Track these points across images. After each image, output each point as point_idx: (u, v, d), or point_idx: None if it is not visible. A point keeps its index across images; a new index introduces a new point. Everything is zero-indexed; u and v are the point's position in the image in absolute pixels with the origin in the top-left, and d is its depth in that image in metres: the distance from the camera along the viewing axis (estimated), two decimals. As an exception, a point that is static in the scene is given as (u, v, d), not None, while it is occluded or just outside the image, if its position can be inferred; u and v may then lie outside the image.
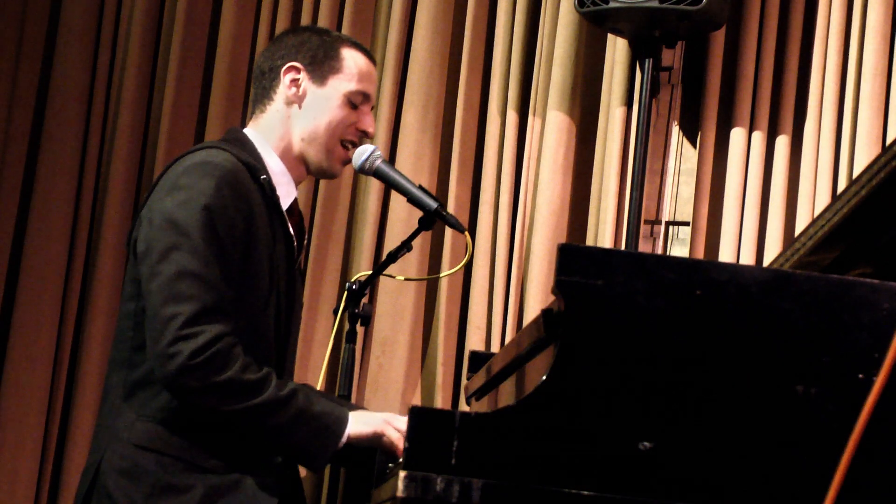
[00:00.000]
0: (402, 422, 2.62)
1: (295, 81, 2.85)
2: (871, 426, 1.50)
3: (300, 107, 2.84)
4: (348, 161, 2.89)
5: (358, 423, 2.63)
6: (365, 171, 2.95)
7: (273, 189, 2.75)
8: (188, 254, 2.56)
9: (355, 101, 2.86)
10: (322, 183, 4.50)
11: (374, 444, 2.65)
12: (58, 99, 4.74)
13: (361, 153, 2.94)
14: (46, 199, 4.69)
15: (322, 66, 2.85)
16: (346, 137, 2.86)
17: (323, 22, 4.52)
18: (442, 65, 4.47)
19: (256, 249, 2.67)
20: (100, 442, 2.68)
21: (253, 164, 2.73)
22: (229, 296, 2.59)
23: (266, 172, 2.76)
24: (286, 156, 2.84)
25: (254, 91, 2.92)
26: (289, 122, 2.84)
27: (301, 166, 2.86)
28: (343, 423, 2.62)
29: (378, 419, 2.66)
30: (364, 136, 2.89)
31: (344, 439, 2.61)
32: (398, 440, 2.61)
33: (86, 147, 4.73)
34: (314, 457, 2.61)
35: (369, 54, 2.94)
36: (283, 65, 2.86)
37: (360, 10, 4.56)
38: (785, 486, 2.01)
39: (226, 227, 2.61)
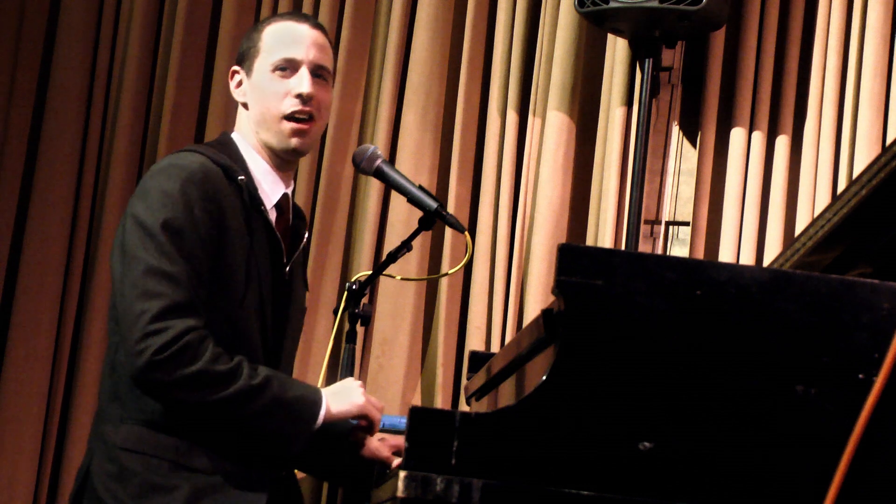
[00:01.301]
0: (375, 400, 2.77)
1: (239, 84, 2.88)
2: (871, 426, 1.50)
3: (248, 105, 2.86)
4: (303, 132, 2.81)
5: (335, 403, 2.67)
6: (365, 171, 2.95)
7: (253, 189, 2.75)
8: (156, 253, 2.59)
9: (282, 68, 2.82)
10: (322, 183, 4.50)
11: (352, 417, 2.73)
12: (57, 98, 4.74)
13: (361, 153, 2.94)
14: (45, 199, 4.69)
15: (248, 56, 2.87)
16: (287, 111, 2.81)
17: (322, 22, 4.51)
18: (442, 65, 4.47)
19: (228, 247, 2.67)
20: (91, 445, 2.70)
21: (229, 166, 2.74)
22: (200, 293, 2.60)
23: (245, 173, 2.76)
24: (262, 152, 2.84)
25: None
26: (249, 120, 2.86)
27: (274, 157, 2.84)
28: (318, 405, 2.65)
29: (355, 397, 2.71)
30: (304, 101, 2.80)
31: (319, 422, 2.64)
32: (375, 413, 2.73)
33: (85, 147, 4.73)
34: (290, 442, 2.63)
35: (302, 17, 2.88)
36: (229, 73, 2.91)
37: (360, 10, 4.57)
38: (785, 486, 2.01)
39: (191, 226, 2.62)
